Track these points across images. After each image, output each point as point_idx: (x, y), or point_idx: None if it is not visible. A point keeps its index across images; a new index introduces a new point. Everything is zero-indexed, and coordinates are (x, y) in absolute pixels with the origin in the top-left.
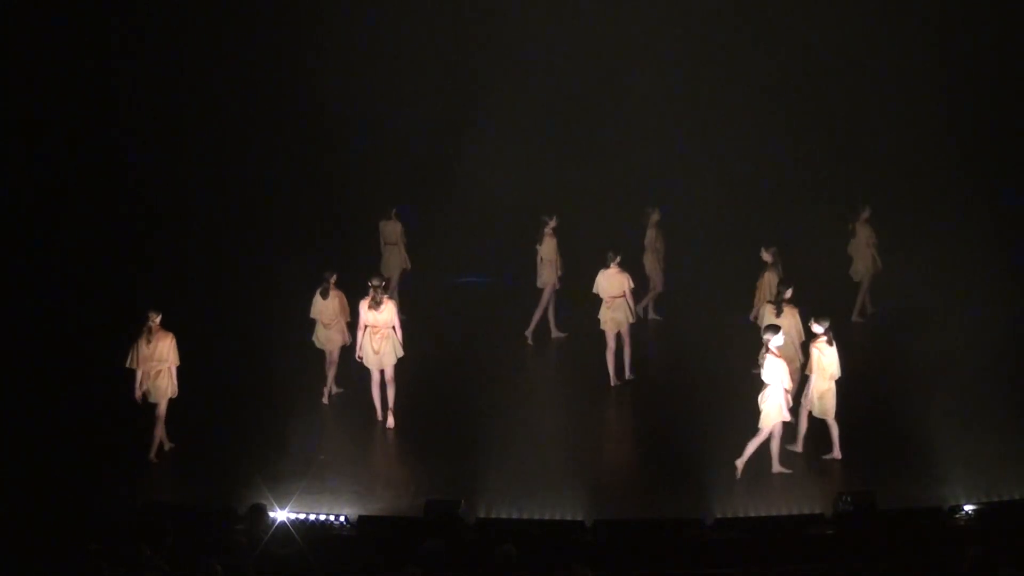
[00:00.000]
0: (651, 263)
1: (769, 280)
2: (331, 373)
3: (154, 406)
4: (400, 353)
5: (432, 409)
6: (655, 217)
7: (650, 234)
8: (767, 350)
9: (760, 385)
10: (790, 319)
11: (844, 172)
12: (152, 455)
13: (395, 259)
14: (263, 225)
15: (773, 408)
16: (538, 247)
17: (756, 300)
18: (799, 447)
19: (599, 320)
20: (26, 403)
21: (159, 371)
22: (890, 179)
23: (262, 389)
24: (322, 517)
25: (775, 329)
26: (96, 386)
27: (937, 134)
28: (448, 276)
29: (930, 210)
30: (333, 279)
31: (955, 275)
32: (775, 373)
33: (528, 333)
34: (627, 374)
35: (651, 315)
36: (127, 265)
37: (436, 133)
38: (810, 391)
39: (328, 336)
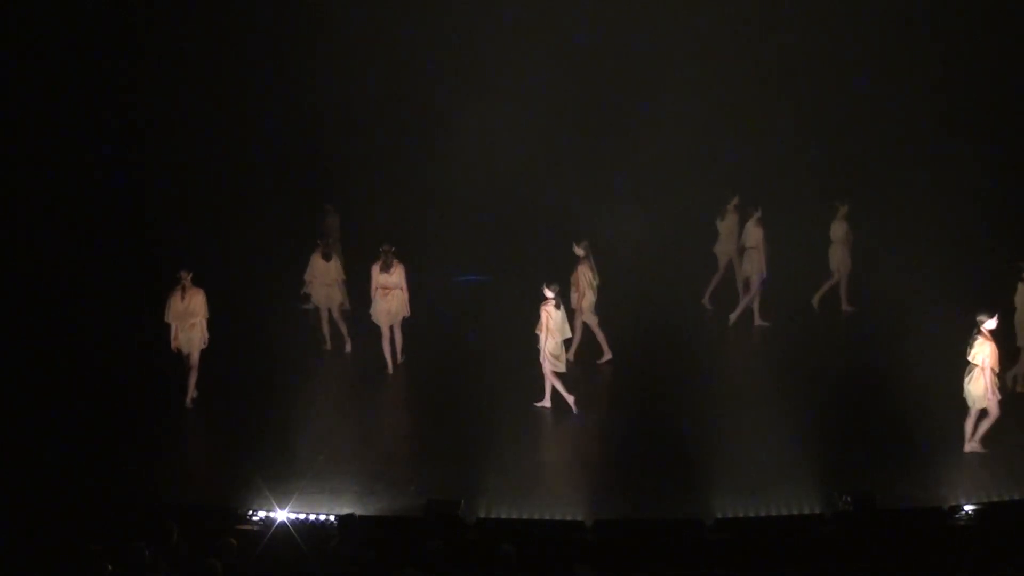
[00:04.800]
0: (839, 255)
1: (583, 273)
2: (327, 328)
3: (188, 357)
4: (407, 312)
5: (432, 409)
6: (844, 210)
7: (841, 226)
8: (979, 332)
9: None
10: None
11: (845, 169)
12: (188, 401)
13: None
14: (261, 227)
15: (980, 389)
16: (718, 223)
17: (572, 292)
18: (547, 403)
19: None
20: (29, 402)
21: (192, 324)
22: (898, 175)
23: (262, 389)
24: (322, 517)
25: (990, 312)
26: (99, 387)
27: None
28: (447, 275)
29: (934, 207)
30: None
31: (958, 274)
32: (983, 355)
33: (757, 321)
34: (757, 319)
35: (845, 306)
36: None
37: (431, 127)
38: (543, 350)
39: (328, 294)
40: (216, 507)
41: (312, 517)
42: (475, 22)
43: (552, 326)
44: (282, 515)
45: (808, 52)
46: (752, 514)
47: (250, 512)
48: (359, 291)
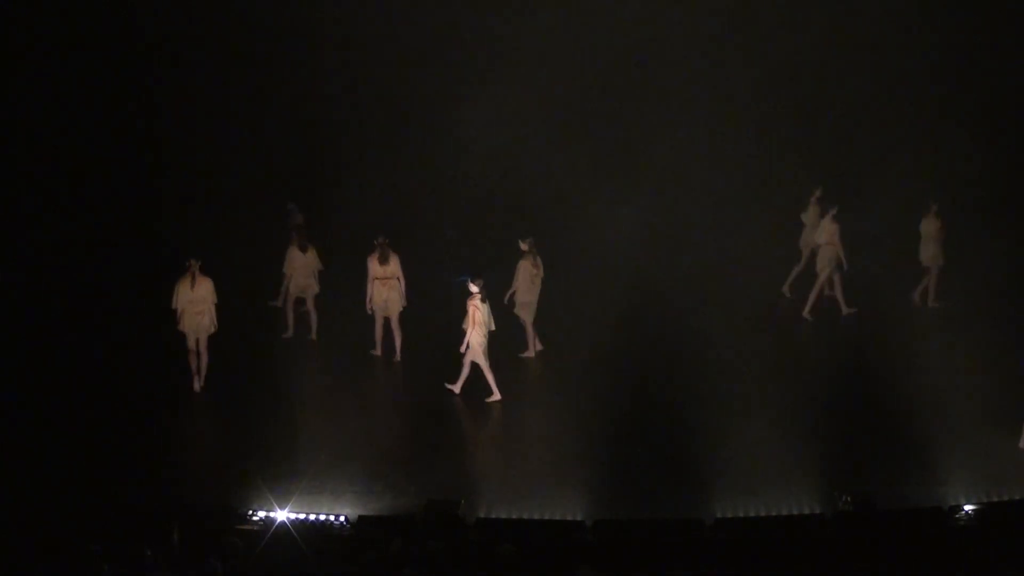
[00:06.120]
0: (932, 251)
1: (524, 267)
2: (314, 318)
3: (197, 343)
4: (404, 303)
5: (432, 409)
6: (935, 207)
7: (934, 223)
8: None
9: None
10: None
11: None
12: (198, 385)
13: None
14: (260, 227)
15: None
16: (802, 216)
17: (514, 284)
18: (457, 388)
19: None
20: (30, 402)
21: (200, 311)
22: (901, 175)
23: (263, 389)
24: (322, 517)
25: None
26: (100, 388)
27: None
28: (446, 274)
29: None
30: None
31: (959, 273)
32: None
33: (811, 310)
34: (843, 309)
35: (931, 302)
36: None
37: (432, 125)
38: (469, 342)
39: (306, 284)
40: (216, 507)
41: (312, 517)
42: (476, 18)
43: (479, 319)
44: (282, 515)
45: (808, 50)
46: (752, 514)
47: (250, 512)
48: (355, 286)
